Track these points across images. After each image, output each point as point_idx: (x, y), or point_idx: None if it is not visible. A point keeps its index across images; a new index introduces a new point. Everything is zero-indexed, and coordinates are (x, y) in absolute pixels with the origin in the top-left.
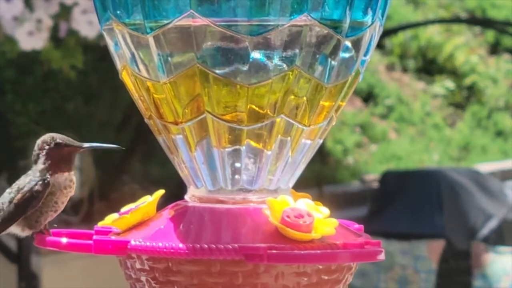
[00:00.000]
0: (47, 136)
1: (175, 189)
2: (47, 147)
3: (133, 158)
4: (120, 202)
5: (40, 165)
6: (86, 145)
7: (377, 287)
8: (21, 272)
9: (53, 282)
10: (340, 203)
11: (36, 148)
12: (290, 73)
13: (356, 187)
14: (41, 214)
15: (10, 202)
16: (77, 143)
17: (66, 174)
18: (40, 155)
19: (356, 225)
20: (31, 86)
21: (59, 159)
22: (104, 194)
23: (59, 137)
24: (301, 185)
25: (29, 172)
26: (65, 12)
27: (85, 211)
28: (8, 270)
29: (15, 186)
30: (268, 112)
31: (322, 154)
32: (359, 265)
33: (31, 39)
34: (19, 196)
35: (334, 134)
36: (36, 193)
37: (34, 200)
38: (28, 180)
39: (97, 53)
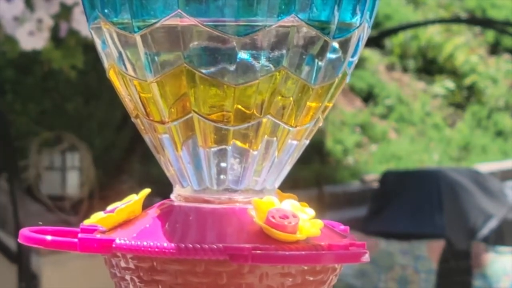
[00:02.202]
0: None
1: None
2: None
3: (133, 158)
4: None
5: None
6: None
7: (377, 287)
8: (21, 272)
9: (53, 282)
10: (340, 203)
11: None
12: (277, 73)
13: (356, 187)
14: None
15: None
16: None
17: None
18: None
19: (342, 226)
20: (31, 86)
21: None
22: (104, 194)
23: None
24: (301, 185)
25: None
26: (65, 12)
27: (85, 211)
28: (8, 270)
29: None
30: (255, 113)
31: (322, 154)
32: (359, 265)
33: (31, 39)
34: None
35: (334, 134)
36: None
37: None
38: None
39: (97, 53)
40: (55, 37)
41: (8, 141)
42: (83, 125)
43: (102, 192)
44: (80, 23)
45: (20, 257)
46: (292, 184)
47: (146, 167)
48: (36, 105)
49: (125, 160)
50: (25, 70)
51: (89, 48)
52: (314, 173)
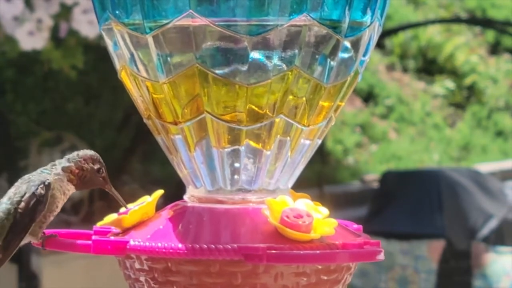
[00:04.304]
0: (97, 156)
1: (175, 189)
2: (88, 165)
3: (133, 158)
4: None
5: (59, 170)
6: (109, 187)
7: (377, 287)
8: (21, 272)
9: (53, 282)
10: (340, 203)
11: (78, 156)
12: (289, 73)
13: (356, 187)
14: (45, 219)
15: (11, 212)
16: (106, 181)
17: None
18: (72, 162)
19: (355, 225)
20: (31, 86)
21: (81, 178)
22: (104, 194)
23: (104, 167)
24: (301, 185)
25: (34, 173)
26: (65, 12)
27: (85, 211)
28: (8, 270)
29: (12, 193)
30: (267, 112)
31: (322, 154)
32: (359, 265)
33: (31, 39)
34: (23, 204)
35: (334, 134)
36: (40, 197)
37: (39, 205)
38: (26, 185)
39: (98, 53)
40: (55, 37)
41: (8, 141)
42: (84, 125)
43: (102, 192)
44: (80, 23)
45: (20, 257)
46: (292, 184)
47: (146, 167)
48: (36, 105)
49: (125, 160)
50: (25, 70)
51: (89, 48)
52: (314, 173)
